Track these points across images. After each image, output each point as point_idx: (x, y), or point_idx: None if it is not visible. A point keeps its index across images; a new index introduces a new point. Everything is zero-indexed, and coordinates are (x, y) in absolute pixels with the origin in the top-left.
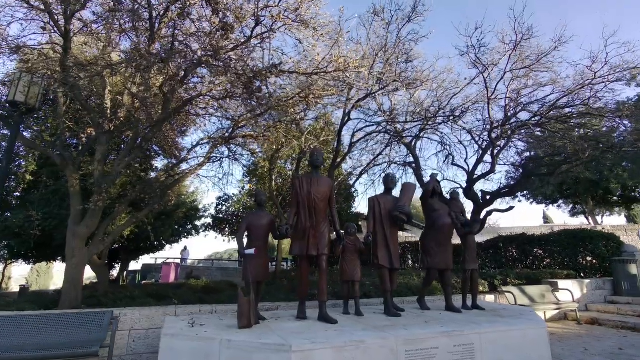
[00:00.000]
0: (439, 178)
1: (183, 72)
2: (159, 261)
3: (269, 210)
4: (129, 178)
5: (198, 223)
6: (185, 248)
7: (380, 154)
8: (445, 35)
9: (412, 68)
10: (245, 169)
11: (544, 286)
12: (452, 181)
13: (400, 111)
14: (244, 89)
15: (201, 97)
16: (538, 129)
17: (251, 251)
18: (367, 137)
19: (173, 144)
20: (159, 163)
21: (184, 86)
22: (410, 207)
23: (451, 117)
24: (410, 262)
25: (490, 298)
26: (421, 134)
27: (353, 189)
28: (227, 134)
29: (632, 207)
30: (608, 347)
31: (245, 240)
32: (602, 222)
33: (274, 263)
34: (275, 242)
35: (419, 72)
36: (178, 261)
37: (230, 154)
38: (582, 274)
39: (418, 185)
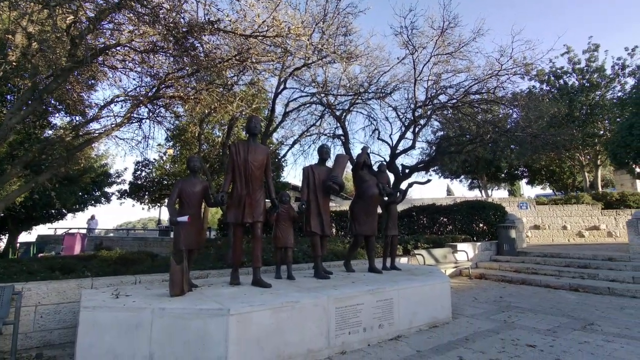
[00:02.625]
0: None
1: (96, 14)
2: (60, 232)
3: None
4: (21, 136)
5: (109, 190)
6: (93, 217)
7: (313, 125)
8: (380, 13)
9: (349, 42)
10: (168, 132)
11: (446, 248)
12: (377, 154)
13: (334, 84)
14: (175, 45)
15: (119, 48)
16: (451, 111)
17: (184, 218)
18: (300, 107)
19: (79, 99)
20: (58, 120)
21: (98, 31)
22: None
23: (380, 94)
24: (334, 230)
25: (404, 260)
26: (352, 108)
27: (283, 159)
28: (150, 93)
29: (515, 183)
30: (491, 296)
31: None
32: (491, 195)
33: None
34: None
35: (355, 47)
36: (84, 231)
37: (153, 115)
38: (475, 238)
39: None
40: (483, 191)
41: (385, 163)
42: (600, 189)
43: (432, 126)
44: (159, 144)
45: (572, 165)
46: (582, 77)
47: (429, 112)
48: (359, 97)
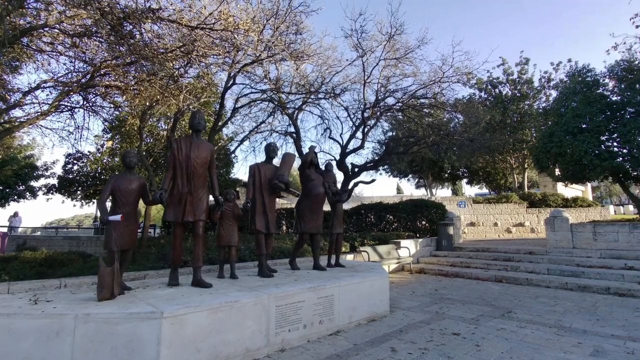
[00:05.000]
0: (316, 150)
1: None
2: None
3: (138, 172)
4: None
5: (35, 184)
6: (16, 214)
7: (264, 122)
8: (333, 14)
9: (301, 40)
10: (106, 123)
11: (391, 245)
12: (328, 153)
13: (286, 82)
14: (111, 31)
15: (47, 29)
16: (400, 114)
17: (117, 217)
18: (251, 103)
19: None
20: None
21: (23, 10)
22: (289, 176)
23: (332, 94)
24: (284, 227)
25: (350, 257)
26: (303, 106)
27: (233, 155)
28: (83, 80)
29: (456, 182)
30: (428, 289)
31: (110, 205)
32: (435, 193)
33: (140, 230)
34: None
35: (306, 46)
36: (4, 230)
37: (87, 104)
38: (418, 235)
39: (297, 155)
40: (428, 190)
41: (333, 162)
42: (526, 189)
43: (382, 127)
44: (96, 136)
45: (505, 167)
46: (514, 87)
47: (378, 114)
48: (311, 96)
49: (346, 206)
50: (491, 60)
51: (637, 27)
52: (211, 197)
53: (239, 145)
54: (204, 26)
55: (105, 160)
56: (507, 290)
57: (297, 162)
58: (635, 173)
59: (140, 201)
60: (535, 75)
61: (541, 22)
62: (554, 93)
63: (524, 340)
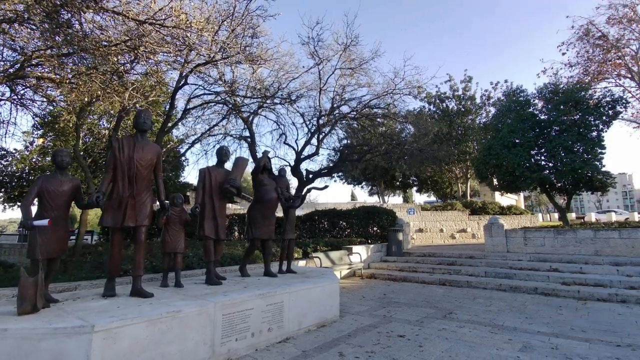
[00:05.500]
0: (270, 155)
1: None
2: None
3: (74, 173)
4: None
5: None
6: None
7: (217, 124)
8: (291, 21)
9: (258, 44)
10: (37, 119)
11: (343, 251)
12: (283, 159)
13: (242, 85)
14: (45, 18)
15: None
16: (354, 122)
17: (44, 222)
18: (204, 105)
19: None
20: None
21: None
22: (241, 181)
23: (288, 99)
24: (236, 233)
25: (302, 263)
26: (259, 111)
27: (183, 158)
28: (11, 70)
29: (407, 190)
30: (377, 294)
31: (36, 209)
32: (387, 201)
33: (73, 237)
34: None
35: (263, 50)
36: None
37: (15, 97)
38: (369, 241)
39: (251, 160)
40: (381, 197)
41: (287, 168)
42: (469, 198)
43: (337, 134)
44: (25, 132)
45: (450, 177)
46: (459, 102)
47: (333, 121)
48: (267, 101)
49: (300, 212)
50: (439, 76)
51: (563, 54)
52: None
53: (189, 147)
54: (154, 21)
55: (34, 159)
56: (450, 293)
57: (250, 167)
58: (559, 184)
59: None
60: (477, 92)
61: (484, 42)
62: (493, 110)
63: (462, 339)
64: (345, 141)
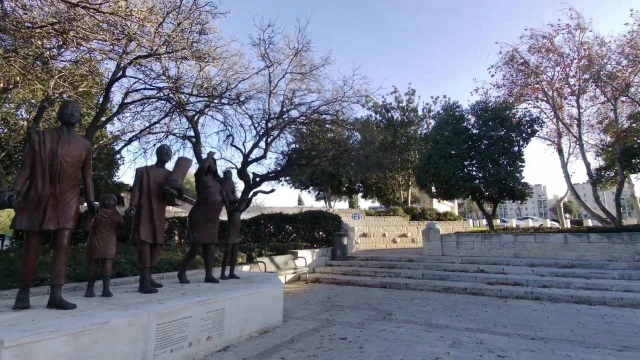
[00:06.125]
0: (216, 156)
1: None
2: None
3: None
4: None
5: None
6: None
7: (158, 122)
8: (242, 20)
9: (206, 41)
10: None
11: (288, 255)
12: (229, 161)
13: (187, 82)
14: None
15: None
16: (304, 127)
17: None
18: (144, 100)
19: None
20: None
21: None
22: (184, 182)
23: (237, 100)
24: (176, 237)
25: (246, 268)
26: (206, 110)
27: (118, 156)
28: None
29: (353, 195)
30: (321, 297)
31: None
32: (334, 205)
33: None
34: None
35: (212, 48)
36: None
37: None
38: (315, 245)
39: (195, 160)
40: (327, 202)
41: (233, 170)
42: (410, 204)
43: (286, 138)
44: None
45: (393, 183)
46: (403, 113)
47: (282, 125)
48: (215, 100)
49: (245, 216)
50: (385, 87)
51: (492, 76)
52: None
53: (125, 145)
54: (87, 5)
55: None
56: (390, 295)
57: (194, 168)
58: (487, 193)
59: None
60: (420, 105)
61: (428, 55)
62: (432, 122)
63: (399, 338)
64: (293, 145)
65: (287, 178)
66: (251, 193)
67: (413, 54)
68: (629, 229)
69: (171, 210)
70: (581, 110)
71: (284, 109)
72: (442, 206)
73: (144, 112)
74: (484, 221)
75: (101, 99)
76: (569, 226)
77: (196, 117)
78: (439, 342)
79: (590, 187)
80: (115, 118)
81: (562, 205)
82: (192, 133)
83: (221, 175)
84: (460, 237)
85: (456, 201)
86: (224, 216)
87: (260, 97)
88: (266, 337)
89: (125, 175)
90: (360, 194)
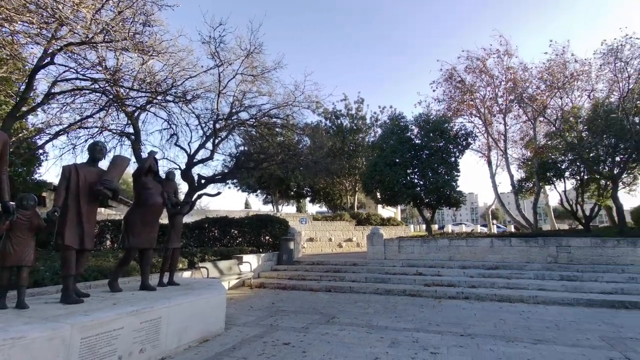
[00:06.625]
0: (158, 156)
1: None
2: None
3: None
4: None
5: None
6: None
7: (92, 116)
8: (191, 15)
9: (151, 34)
10: None
11: (233, 260)
12: (173, 161)
13: (128, 75)
14: None
15: None
16: (253, 130)
17: None
18: (75, 91)
19: None
20: None
21: None
22: (119, 183)
23: (183, 98)
24: (108, 242)
25: (187, 274)
26: (148, 106)
27: (40, 151)
28: None
29: (301, 200)
30: (266, 303)
31: None
32: (281, 210)
33: None
34: None
35: (157, 41)
36: None
37: None
38: (261, 250)
39: (133, 159)
40: (275, 206)
41: (177, 171)
42: (356, 209)
43: (234, 140)
44: None
45: (341, 189)
46: (352, 121)
47: (231, 126)
48: (158, 97)
49: (188, 219)
50: (336, 94)
51: (433, 90)
52: None
53: (51, 139)
54: None
55: None
56: (334, 299)
57: (132, 168)
58: (427, 200)
59: None
60: (368, 113)
61: (378, 66)
62: (379, 130)
63: (342, 341)
64: (242, 148)
65: (235, 181)
66: (195, 195)
67: (363, 65)
68: (543, 234)
69: (103, 213)
70: (507, 127)
71: (234, 110)
72: (386, 212)
73: (75, 104)
74: (424, 226)
75: (23, 87)
76: (495, 231)
77: (136, 113)
78: (378, 343)
79: (513, 196)
80: (39, 109)
81: (490, 212)
82: (131, 130)
83: (163, 176)
84: (401, 242)
85: (399, 207)
86: (164, 219)
87: (209, 97)
88: (206, 346)
89: (49, 173)
90: (308, 199)
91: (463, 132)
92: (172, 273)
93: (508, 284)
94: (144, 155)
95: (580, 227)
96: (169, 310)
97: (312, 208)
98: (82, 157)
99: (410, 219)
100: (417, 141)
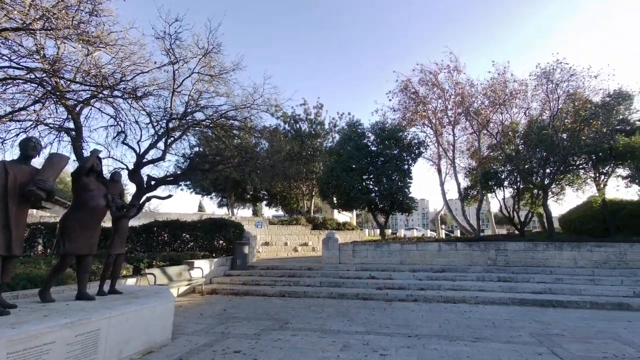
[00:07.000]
0: (102, 155)
1: None
2: None
3: None
4: None
5: None
6: None
7: (25, 108)
8: (145, 9)
9: (98, 24)
10: None
11: (183, 266)
12: (119, 161)
13: (70, 66)
14: None
15: None
16: (209, 131)
17: None
18: (7, 80)
19: None
20: None
21: None
22: (56, 183)
23: (132, 95)
24: (40, 247)
25: (131, 281)
26: (92, 101)
27: None
28: None
29: (257, 204)
30: (217, 310)
31: None
32: (237, 213)
33: None
34: None
35: (105, 32)
36: None
37: None
38: (214, 254)
39: (73, 158)
40: (230, 209)
41: (123, 172)
42: (312, 213)
43: (189, 141)
44: None
45: (298, 193)
46: (311, 126)
47: (185, 126)
48: (104, 91)
49: (135, 222)
50: (295, 98)
51: (389, 100)
52: None
53: None
54: None
55: None
56: (288, 304)
57: (72, 166)
58: (381, 205)
59: None
60: (327, 119)
61: (335, 73)
62: (337, 136)
63: (294, 346)
64: (197, 149)
65: (188, 183)
66: (144, 198)
67: (324, 71)
68: (485, 239)
69: (35, 215)
70: (455, 138)
71: (189, 110)
72: (342, 216)
73: (6, 94)
74: (378, 231)
75: None
76: (443, 236)
77: (78, 108)
78: (330, 347)
79: (460, 202)
80: None
81: (439, 217)
82: (71, 125)
83: (108, 177)
84: (356, 246)
85: (355, 212)
86: (107, 222)
87: (162, 95)
88: (150, 358)
89: None
90: (265, 202)
91: (416, 141)
92: (114, 281)
93: (453, 286)
94: (86, 153)
95: (516, 232)
96: (109, 321)
97: (268, 212)
98: (13, 154)
99: (365, 223)
100: (373, 148)
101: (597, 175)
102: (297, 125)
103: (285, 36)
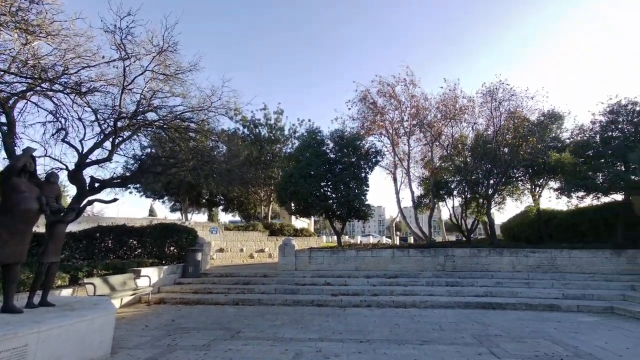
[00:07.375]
0: (37, 153)
1: None
2: None
3: None
4: None
5: None
6: None
7: None
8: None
9: (40, 12)
10: None
11: (128, 274)
12: (58, 160)
13: (5, 55)
14: None
15: None
16: (162, 132)
17: None
18: None
19: None
20: None
21: None
22: None
23: (76, 90)
24: None
25: (67, 292)
26: (28, 94)
27: None
28: None
29: (213, 209)
30: (164, 321)
31: None
32: (191, 218)
33: None
34: None
35: (46, 21)
36: None
37: None
38: (164, 262)
39: (4, 155)
40: (184, 214)
41: (61, 172)
42: (270, 219)
43: (140, 142)
44: None
45: (256, 198)
46: (270, 131)
47: (136, 126)
48: (43, 84)
49: (74, 227)
50: (255, 103)
51: (349, 109)
52: None
53: None
54: None
55: None
56: (242, 312)
57: (2, 165)
58: (338, 212)
59: None
60: (287, 125)
61: (294, 75)
62: (297, 142)
63: (245, 356)
64: (149, 150)
65: (138, 186)
66: (85, 201)
67: (286, 76)
68: (435, 245)
69: None
70: (410, 148)
71: (140, 109)
72: (300, 222)
73: None
74: (335, 237)
75: None
76: (398, 242)
77: (11, 101)
78: (282, 356)
79: (413, 210)
80: None
81: (394, 224)
82: (3, 119)
83: (44, 178)
84: (312, 253)
85: (312, 218)
86: (41, 227)
87: (111, 92)
88: None
89: None
90: (221, 207)
91: (373, 150)
92: (45, 292)
93: (405, 291)
94: (19, 151)
95: (464, 239)
96: (38, 335)
97: (225, 217)
98: None
99: (323, 230)
100: (331, 155)
101: (533, 186)
102: (257, 130)
103: (247, 39)
